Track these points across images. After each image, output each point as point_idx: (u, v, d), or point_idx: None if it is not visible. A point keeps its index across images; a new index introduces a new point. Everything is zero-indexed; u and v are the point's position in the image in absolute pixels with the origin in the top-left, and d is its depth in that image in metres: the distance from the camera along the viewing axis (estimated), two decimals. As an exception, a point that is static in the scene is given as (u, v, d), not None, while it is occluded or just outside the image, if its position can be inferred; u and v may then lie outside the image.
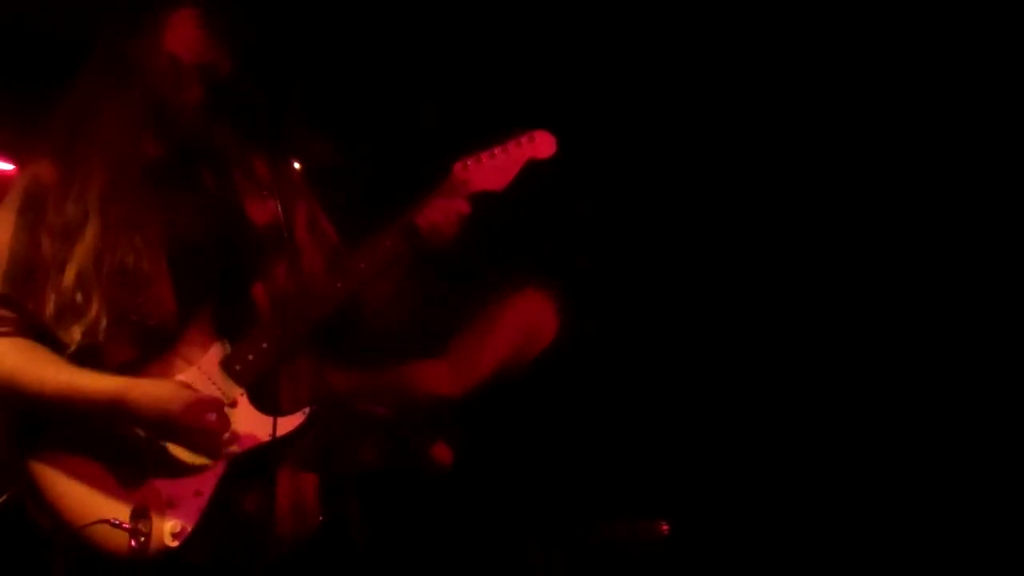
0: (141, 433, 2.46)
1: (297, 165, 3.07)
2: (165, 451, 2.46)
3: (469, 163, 2.85)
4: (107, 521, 2.38)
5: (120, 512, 2.39)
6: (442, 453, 3.52)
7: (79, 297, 2.47)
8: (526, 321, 3.48)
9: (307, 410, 2.56)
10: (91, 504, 2.40)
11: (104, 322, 2.47)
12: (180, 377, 2.51)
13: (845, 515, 4.16)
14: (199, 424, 2.42)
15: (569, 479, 3.51)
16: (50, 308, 2.48)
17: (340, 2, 3.89)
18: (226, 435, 2.46)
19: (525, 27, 4.06)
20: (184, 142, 2.68)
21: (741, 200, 4.30)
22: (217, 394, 2.51)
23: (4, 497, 2.53)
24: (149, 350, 2.52)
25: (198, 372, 2.53)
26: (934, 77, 4.05)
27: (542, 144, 2.90)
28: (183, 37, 2.65)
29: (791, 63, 4.13)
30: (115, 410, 2.42)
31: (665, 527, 3.51)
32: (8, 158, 3.80)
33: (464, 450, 3.51)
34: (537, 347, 3.48)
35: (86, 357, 2.48)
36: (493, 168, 2.85)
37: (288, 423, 2.53)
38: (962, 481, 4.02)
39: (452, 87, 4.11)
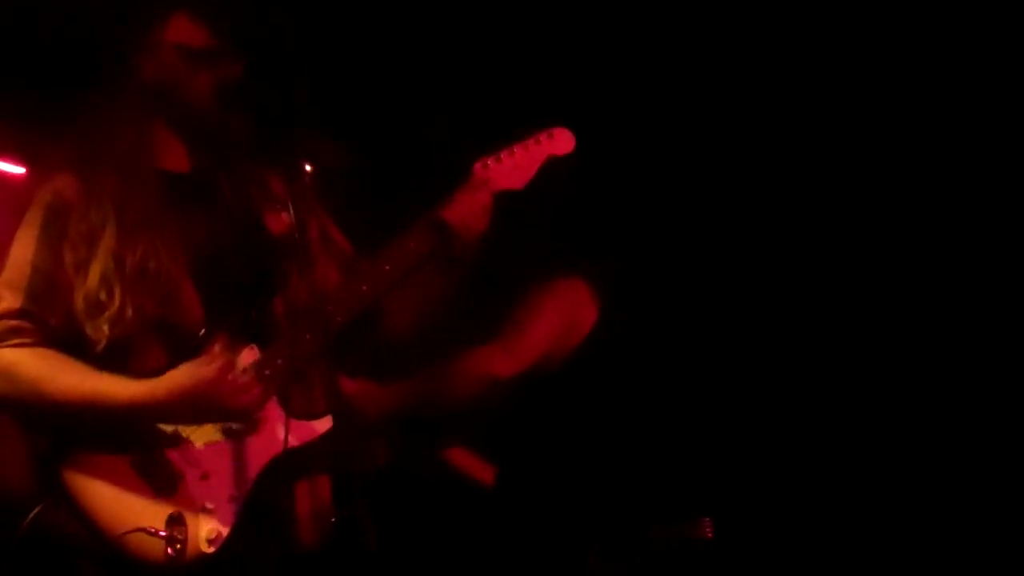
0: (168, 430, 2.46)
1: (308, 168, 3.06)
2: (195, 452, 2.46)
3: (489, 162, 2.83)
4: (143, 529, 2.36)
5: (156, 519, 2.37)
6: (482, 470, 3.54)
7: (103, 295, 2.47)
8: (568, 308, 3.52)
9: (333, 414, 2.56)
10: (127, 512, 2.39)
11: (129, 312, 2.46)
12: None
13: (886, 520, 4.19)
14: (228, 388, 2.42)
15: (614, 484, 3.50)
16: (79, 306, 2.48)
17: (352, 2, 3.88)
18: (258, 389, 2.46)
19: (539, 24, 4.05)
20: (204, 144, 2.67)
21: (765, 193, 4.30)
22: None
23: (37, 509, 2.49)
24: (178, 356, 2.50)
25: None
26: (935, 77, 4.06)
27: (561, 141, 2.89)
28: (184, 30, 2.64)
29: (808, 59, 4.15)
30: (146, 412, 2.42)
31: (709, 526, 3.51)
32: (18, 161, 3.77)
33: (504, 462, 3.52)
34: (578, 335, 3.51)
35: (115, 359, 2.47)
36: (513, 166, 2.83)
37: (314, 427, 2.55)
38: (964, 481, 4.05)
39: (466, 87, 4.09)
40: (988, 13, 3.89)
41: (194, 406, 2.43)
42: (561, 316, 3.49)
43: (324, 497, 2.66)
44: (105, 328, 2.46)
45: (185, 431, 2.49)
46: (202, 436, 2.49)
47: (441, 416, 3.52)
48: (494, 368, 3.38)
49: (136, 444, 2.46)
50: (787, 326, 4.29)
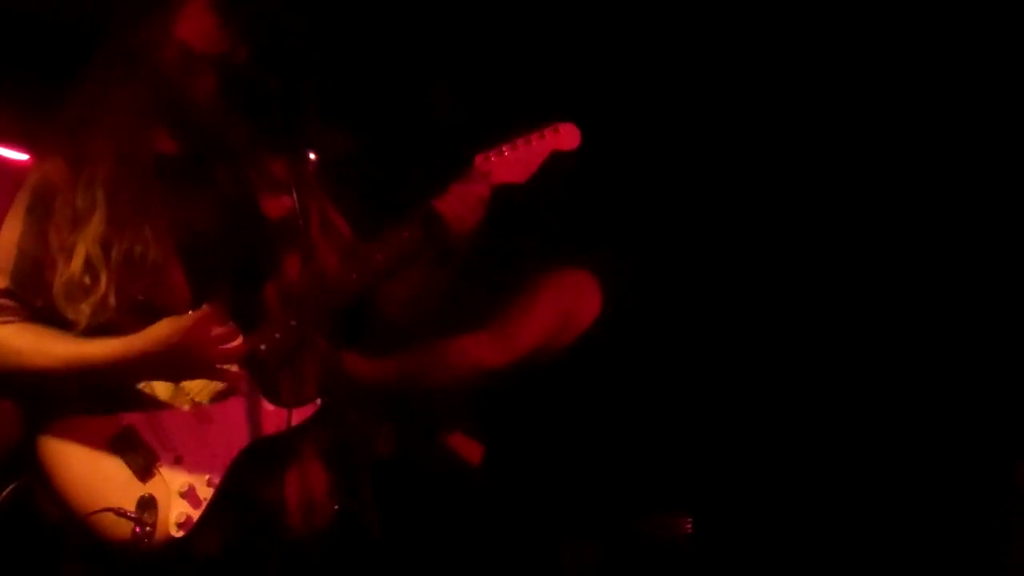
0: (158, 391, 2.45)
1: (313, 156, 3.03)
2: (171, 434, 2.44)
3: (491, 155, 2.80)
4: (112, 509, 2.35)
5: (128, 501, 2.36)
6: (471, 449, 3.49)
7: (87, 279, 2.47)
8: (568, 299, 3.47)
9: (318, 402, 2.53)
10: (99, 492, 2.38)
11: (112, 300, 2.46)
12: None
13: (875, 516, 4.16)
14: (204, 338, 2.40)
15: (600, 473, 3.47)
16: (58, 289, 2.48)
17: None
18: (238, 342, 2.45)
19: (545, 16, 4.04)
20: (196, 135, 2.65)
21: (767, 189, 4.29)
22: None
23: (12, 487, 2.56)
24: None
25: None
26: (935, 77, 4.05)
27: (567, 136, 2.85)
28: (195, 25, 2.60)
29: (808, 56, 4.13)
30: (125, 364, 2.41)
31: (689, 523, 3.47)
32: (22, 148, 3.78)
33: (494, 444, 3.48)
34: (578, 327, 3.46)
35: (92, 330, 2.46)
36: (515, 160, 2.80)
37: (299, 415, 2.50)
38: (964, 481, 4.02)
39: (470, 78, 4.09)
40: (988, 13, 3.87)
41: (172, 356, 2.41)
42: (558, 309, 3.45)
43: (319, 485, 2.62)
44: (87, 311, 2.46)
45: (158, 404, 2.47)
46: (179, 420, 2.47)
47: (425, 397, 3.48)
48: (482, 357, 3.36)
49: (112, 424, 2.44)
50: (779, 325, 4.27)
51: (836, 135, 4.20)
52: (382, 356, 3.30)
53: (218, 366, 2.46)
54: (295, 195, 2.51)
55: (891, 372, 4.16)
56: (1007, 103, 3.98)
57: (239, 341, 2.47)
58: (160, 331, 2.41)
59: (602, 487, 3.48)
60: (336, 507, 2.66)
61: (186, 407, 2.48)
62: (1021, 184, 4.01)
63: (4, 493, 2.54)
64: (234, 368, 2.48)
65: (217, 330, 2.43)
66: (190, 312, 2.44)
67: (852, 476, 4.14)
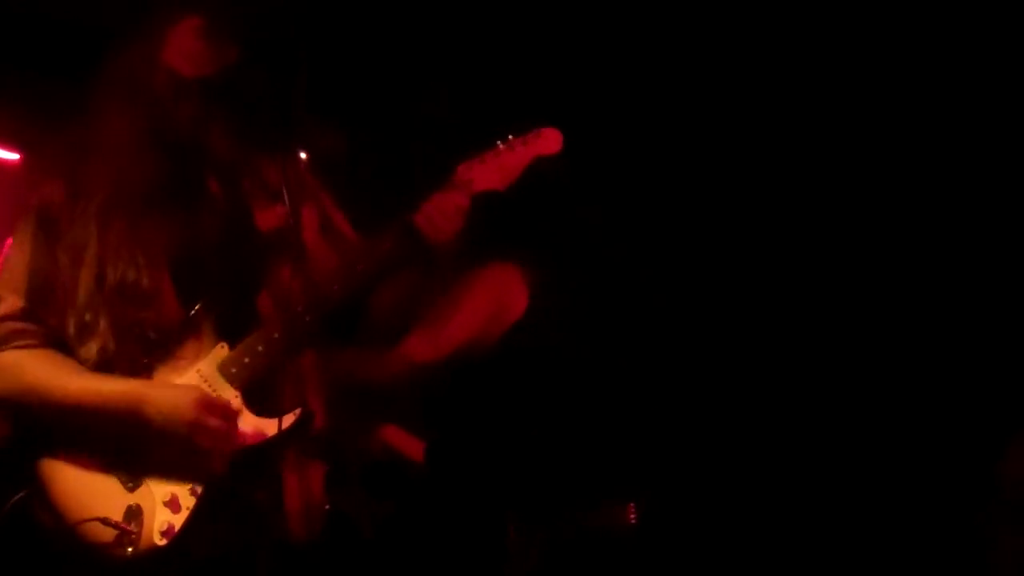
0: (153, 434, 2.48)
1: (304, 155, 3.05)
2: (169, 451, 2.48)
3: (473, 163, 2.82)
4: (100, 519, 2.41)
5: (116, 511, 2.43)
6: (411, 445, 3.54)
7: (88, 316, 2.54)
8: (495, 292, 3.49)
9: (299, 410, 2.55)
10: (89, 502, 2.44)
11: (112, 344, 2.52)
12: (179, 380, 2.54)
13: (856, 515, 4.18)
14: (205, 424, 2.44)
15: (546, 463, 3.52)
16: (71, 329, 2.55)
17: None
18: (231, 442, 2.48)
19: (532, 21, 4.04)
20: (189, 156, 2.67)
21: (746, 195, 4.31)
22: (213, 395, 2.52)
23: (15, 499, 2.56)
24: (154, 356, 2.55)
25: (196, 375, 2.55)
26: (935, 77, 4.05)
27: (549, 141, 2.87)
28: (182, 50, 2.65)
29: (800, 60, 4.13)
30: (133, 414, 2.46)
31: (633, 513, 3.52)
32: (12, 147, 3.80)
33: (438, 438, 3.53)
34: (507, 319, 3.49)
35: (100, 367, 2.54)
36: (497, 167, 2.82)
37: (278, 424, 2.52)
38: (945, 481, 4.05)
39: (459, 81, 4.09)
40: (988, 13, 3.87)
41: (166, 426, 2.45)
42: (487, 303, 3.47)
43: (315, 490, 2.66)
44: (94, 353, 2.53)
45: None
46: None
47: (356, 393, 3.52)
48: (411, 353, 3.36)
49: (110, 438, 2.49)
50: (757, 321, 4.32)
51: (823, 134, 4.22)
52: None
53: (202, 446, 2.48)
54: (286, 201, 2.55)
55: (871, 371, 4.19)
56: (1007, 103, 3.99)
57: (229, 443, 2.48)
58: (176, 395, 2.47)
59: (545, 478, 3.52)
60: (328, 508, 2.69)
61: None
62: (1017, 185, 4.03)
63: (7, 505, 2.56)
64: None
65: (217, 420, 2.46)
66: (200, 393, 2.49)
67: (828, 475, 4.18)
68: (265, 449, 2.53)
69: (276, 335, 2.56)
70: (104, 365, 2.52)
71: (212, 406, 2.47)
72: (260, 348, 2.56)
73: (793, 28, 4.06)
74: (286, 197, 2.56)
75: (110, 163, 2.62)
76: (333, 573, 2.70)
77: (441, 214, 2.72)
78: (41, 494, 2.48)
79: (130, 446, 2.48)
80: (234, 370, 2.54)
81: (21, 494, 2.55)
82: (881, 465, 4.15)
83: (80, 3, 2.80)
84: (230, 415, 2.49)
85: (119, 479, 2.47)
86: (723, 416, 4.29)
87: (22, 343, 2.53)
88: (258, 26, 2.73)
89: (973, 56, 3.97)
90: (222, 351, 2.56)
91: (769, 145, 4.24)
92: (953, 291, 4.12)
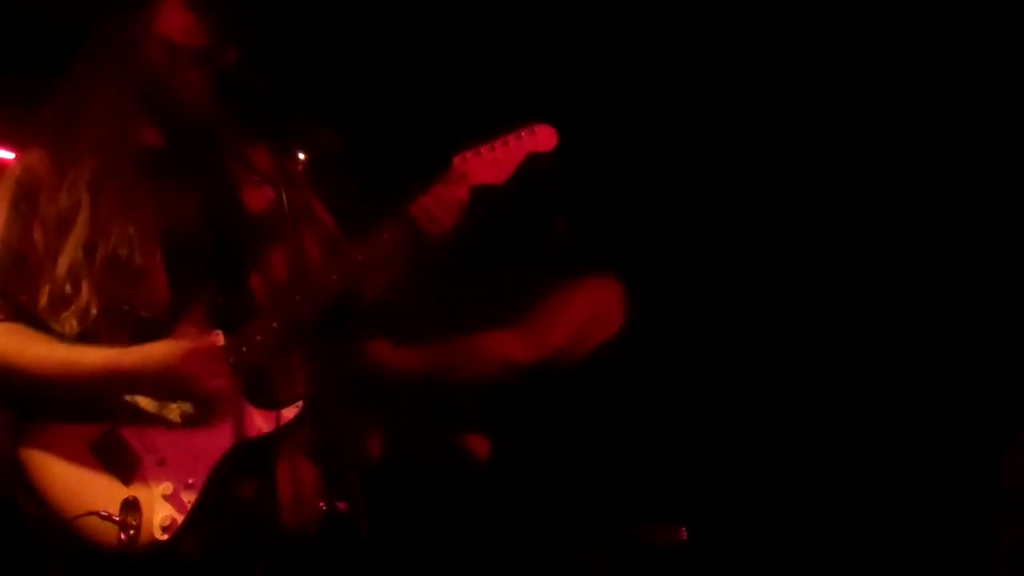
0: (141, 403, 2.45)
1: (302, 156, 3.05)
2: (153, 437, 2.45)
3: (469, 156, 2.82)
4: (96, 513, 2.36)
5: (111, 504, 2.37)
6: (478, 445, 3.53)
7: (68, 287, 2.46)
8: (596, 305, 3.54)
9: (301, 404, 2.54)
10: (81, 495, 2.38)
11: (94, 310, 2.45)
12: None
13: (871, 528, 4.19)
14: (200, 370, 2.41)
15: (610, 481, 3.50)
16: (43, 300, 2.47)
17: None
18: (227, 379, 2.45)
19: (529, 19, 4.04)
20: (180, 130, 2.65)
21: (747, 194, 4.31)
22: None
23: None
24: (139, 337, 2.48)
25: None
26: (934, 77, 4.06)
27: (543, 138, 2.87)
28: (174, 20, 2.62)
29: (796, 58, 4.15)
30: (115, 378, 2.41)
31: (684, 532, 3.50)
32: (8, 147, 3.79)
33: (504, 445, 3.51)
34: (602, 333, 3.52)
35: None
36: (492, 161, 2.82)
37: (279, 416, 2.51)
38: (948, 478, 4.05)
39: (456, 78, 4.09)
40: (988, 13, 3.88)
41: (160, 381, 2.42)
42: (587, 313, 3.52)
43: (306, 486, 2.63)
44: (74, 323, 2.46)
45: (143, 415, 2.47)
46: (161, 421, 2.48)
47: (448, 390, 3.52)
48: (512, 353, 3.42)
49: (94, 426, 2.44)
50: (769, 330, 4.30)
51: (823, 135, 4.23)
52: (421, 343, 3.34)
53: (204, 395, 2.46)
54: (281, 188, 2.52)
55: (876, 372, 4.19)
56: (1007, 103, 4.00)
57: (227, 380, 2.46)
58: (152, 352, 2.42)
59: (608, 495, 3.50)
60: (324, 507, 2.68)
61: (174, 418, 2.48)
62: (1018, 185, 4.04)
63: None
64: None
65: (209, 361, 2.43)
66: (190, 338, 2.45)
67: (841, 479, 4.18)
68: (267, 441, 2.51)
69: (275, 325, 2.53)
70: (86, 336, 2.45)
71: (201, 352, 2.42)
72: (258, 337, 2.53)
73: (787, 28, 4.09)
74: (280, 183, 2.52)
75: (99, 131, 2.57)
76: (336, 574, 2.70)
77: (440, 206, 2.72)
78: (25, 485, 2.39)
79: (117, 429, 2.43)
80: (232, 359, 2.50)
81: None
82: (885, 463, 4.14)
83: (76, 4, 2.78)
84: (217, 353, 2.45)
85: (110, 469, 2.40)
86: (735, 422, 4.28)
87: None
88: (257, 23, 2.73)
89: (973, 56, 3.99)
90: (218, 339, 2.51)
91: (769, 145, 4.25)
92: (956, 289, 4.12)
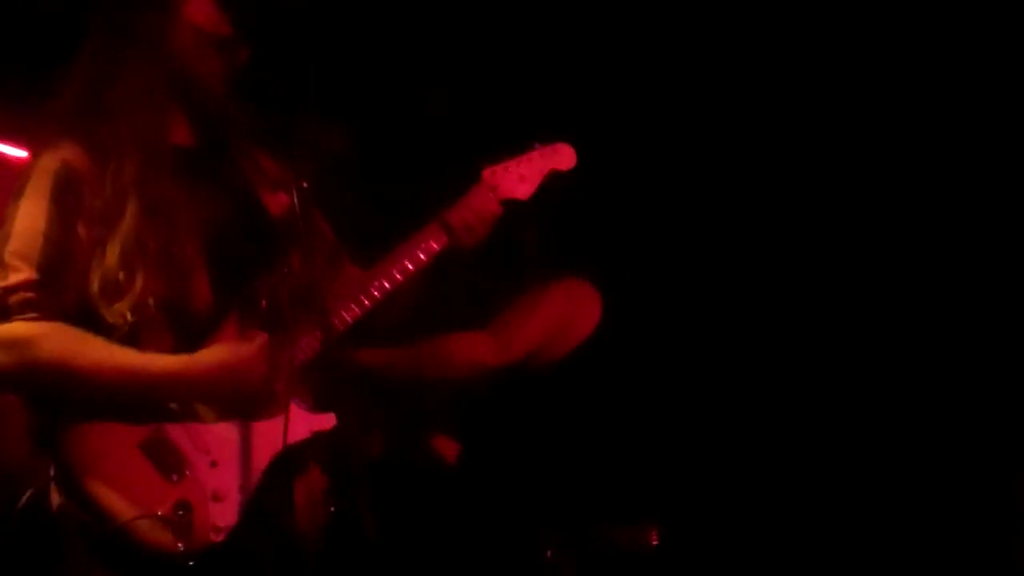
0: (199, 412, 2.46)
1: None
2: (206, 438, 2.46)
3: (497, 169, 2.88)
4: (152, 515, 2.35)
5: (164, 505, 2.36)
6: (447, 447, 3.56)
7: (122, 276, 2.43)
8: (569, 307, 3.55)
9: (332, 415, 2.58)
10: (134, 497, 2.36)
11: (149, 298, 2.44)
12: None
13: (873, 529, 4.22)
14: (266, 370, 2.43)
15: (582, 479, 3.54)
16: (95, 287, 2.43)
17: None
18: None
19: (543, 26, 4.08)
20: (209, 123, 2.65)
21: (761, 203, 4.32)
22: None
23: (28, 494, 2.49)
24: (185, 341, 2.50)
25: None
26: (934, 77, 4.09)
27: (563, 156, 2.95)
28: (202, 8, 2.61)
29: (806, 68, 4.18)
30: (178, 386, 2.42)
31: (655, 535, 3.56)
32: (15, 143, 3.74)
33: (474, 446, 3.54)
34: (576, 336, 3.55)
35: (127, 344, 2.43)
36: (519, 177, 2.89)
37: (318, 420, 2.58)
38: (963, 495, 4.08)
39: (470, 85, 4.10)
40: (988, 13, 3.93)
41: (229, 385, 2.44)
42: (559, 315, 3.53)
43: (318, 488, 2.67)
44: (127, 314, 2.42)
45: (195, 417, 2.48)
46: (212, 424, 2.49)
47: (418, 391, 3.53)
48: (480, 355, 3.43)
49: (145, 429, 2.43)
50: (773, 334, 4.30)
51: (811, 132, 4.25)
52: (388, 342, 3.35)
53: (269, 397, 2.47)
54: (294, 193, 2.50)
55: (889, 385, 4.19)
56: (1007, 103, 4.03)
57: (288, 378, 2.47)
58: (221, 355, 2.44)
59: (577, 496, 3.55)
60: (332, 509, 2.70)
61: (226, 420, 2.49)
62: (1020, 186, 4.06)
63: (21, 500, 2.47)
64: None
65: (273, 361, 2.44)
66: (250, 338, 2.47)
67: (850, 489, 4.19)
68: (308, 446, 2.56)
69: (321, 329, 2.54)
70: (133, 330, 2.41)
71: (265, 353, 2.45)
72: (302, 341, 2.55)
73: (775, 28, 4.14)
74: (293, 189, 2.50)
75: (136, 124, 2.53)
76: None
77: (476, 216, 2.79)
78: (75, 489, 2.35)
79: (166, 430, 2.42)
80: (284, 360, 2.50)
81: (30, 492, 2.47)
82: (899, 479, 4.14)
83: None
84: (278, 354, 2.47)
85: (159, 470, 2.39)
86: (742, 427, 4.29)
87: (33, 315, 2.38)
88: (267, 25, 2.75)
89: (973, 56, 4.03)
90: (263, 339, 2.51)
91: (769, 146, 4.28)
92: (973, 299, 4.14)
